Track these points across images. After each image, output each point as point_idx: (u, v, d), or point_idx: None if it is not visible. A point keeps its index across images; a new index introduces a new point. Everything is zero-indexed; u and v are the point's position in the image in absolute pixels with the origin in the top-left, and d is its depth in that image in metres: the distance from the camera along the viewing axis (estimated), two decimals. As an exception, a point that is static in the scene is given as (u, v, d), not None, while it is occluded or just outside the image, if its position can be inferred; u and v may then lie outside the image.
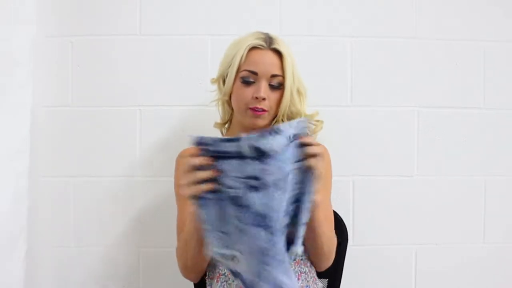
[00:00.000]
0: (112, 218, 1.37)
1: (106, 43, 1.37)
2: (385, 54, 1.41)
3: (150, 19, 1.38)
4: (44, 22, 1.31)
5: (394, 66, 1.41)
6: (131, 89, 1.37)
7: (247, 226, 0.83)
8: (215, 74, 1.13)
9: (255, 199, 0.82)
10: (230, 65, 1.05)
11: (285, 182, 0.83)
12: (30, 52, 1.22)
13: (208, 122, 1.22)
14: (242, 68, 1.03)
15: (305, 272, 1.04)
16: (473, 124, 1.43)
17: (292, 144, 0.84)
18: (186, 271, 1.03)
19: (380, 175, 1.41)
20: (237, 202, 0.83)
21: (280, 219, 0.83)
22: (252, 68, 1.03)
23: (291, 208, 0.86)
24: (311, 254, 1.04)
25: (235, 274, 0.89)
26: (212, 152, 0.83)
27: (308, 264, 1.06)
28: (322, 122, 1.11)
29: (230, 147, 0.82)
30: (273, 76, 1.03)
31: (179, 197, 1.09)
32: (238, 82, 1.04)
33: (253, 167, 0.81)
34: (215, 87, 1.14)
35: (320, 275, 1.11)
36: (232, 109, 1.11)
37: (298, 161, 0.85)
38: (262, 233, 0.83)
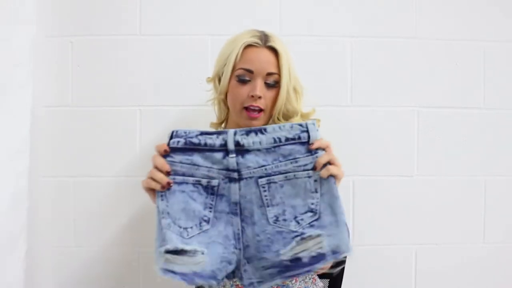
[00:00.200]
0: (112, 218, 1.37)
1: (106, 43, 1.37)
2: (385, 54, 1.41)
3: (150, 19, 1.38)
4: (44, 22, 1.31)
5: (394, 66, 1.41)
6: (131, 89, 1.37)
7: (222, 214, 0.89)
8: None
9: (231, 189, 0.88)
10: (226, 64, 1.04)
11: (268, 181, 0.88)
12: (30, 52, 1.22)
13: (208, 122, 1.21)
14: (238, 67, 1.02)
15: None
16: (473, 124, 1.43)
17: (289, 148, 0.88)
18: None
19: (380, 175, 1.41)
20: (212, 191, 0.89)
21: (255, 212, 0.88)
22: (247, 66, 1.01)
23: (304, 216, 0.87)
24: None
25: (188, 278, 0.86)
26: (185, 144, 0.89)
27: None
28: (319, 120, 1.08)
29: (215, 140, 0.89)
30: (269, 74, 1.02)
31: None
32: (234, 81, 1.03)
33: (232, 160, 0.88)
34: (211, 86, 1.13)
35: (321, 275, 1.11)
36: (228, 108, 1.10)
37: (313, 168, 0.88)
38: (234, 220, 0.89)
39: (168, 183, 0.89)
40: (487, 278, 1.42)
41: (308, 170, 0.88)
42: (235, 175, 0.89)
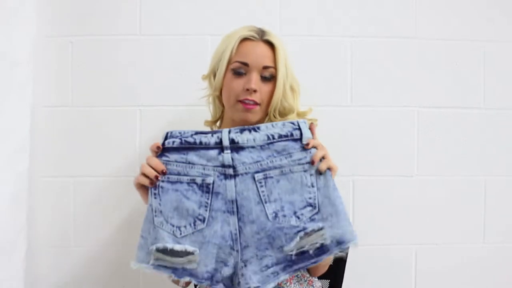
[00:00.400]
0: (112, 218, 1.37)
1: (106, 43, 1.37)
2: (385, 54, 1.41)
3: (150, 19, 1.38)
4: (44, 22, 1.31)
5: (394, 66, 1.41)
6: (131, 89, 1.37)
7: (218, 213, 0.88)
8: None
9: (226, 186, 0.89)
10: (221, 59, 1.02)
11: (264, 176, 0.89)
12: (30, 52, 1.22)
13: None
14: (233, 60, 1.00)
15: (297, 276, 1.00)
16: (473, 124, 1.43)
17: (282, 144, 0.90)
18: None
19: (380, 175, 1.41)
20: (208, 189, 0.89)
21: (253, 209, 0.88)
22: (243, 59, 0.99)
23: (304, 211, 0.88)
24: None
25: (178, 272, 0.88)
26: (180, 144, 0.90)
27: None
28: (315, 120, 1.07)
29: (210, 139, 0.90)
30: (265, 68, 1.00)
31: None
32: (229, 74, 1.01)
33: (227, 156, 0.89)
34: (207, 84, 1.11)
35: (321, 275, 1.10)
36: (223, 106, 1.07)
37: (308, 163, 0.89)
38: (231, 219, 0.88)
39: (156, 177, 0.89)
40: (487, 278, 1.42)
41: (303, 164, 0.89)
42: (231, 171, 0.89)
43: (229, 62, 1.01)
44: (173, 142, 0.90)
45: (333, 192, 0.88)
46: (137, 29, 1.38)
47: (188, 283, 0.99)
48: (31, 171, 1.22)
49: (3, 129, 1.15)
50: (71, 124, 1.37)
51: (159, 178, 0.89)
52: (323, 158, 0.90)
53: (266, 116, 1.04)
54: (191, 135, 0.90)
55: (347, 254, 1.21)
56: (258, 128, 0.91)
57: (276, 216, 0.88)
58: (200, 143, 0.90)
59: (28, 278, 1.20)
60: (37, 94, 1.26)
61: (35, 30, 1.24)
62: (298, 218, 0.87)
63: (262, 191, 0.89)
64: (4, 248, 1.13)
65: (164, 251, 0.87)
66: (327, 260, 0.98)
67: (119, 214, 1.37)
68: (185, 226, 0.89)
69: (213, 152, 0.90)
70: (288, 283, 0.98)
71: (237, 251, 0.88)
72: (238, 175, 0.89)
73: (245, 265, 0.88)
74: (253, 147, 0.89)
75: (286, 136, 0.90)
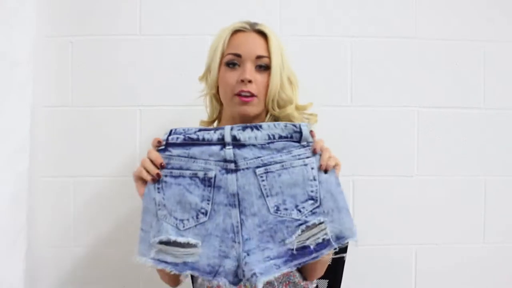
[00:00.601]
0: (112, 218, 1.37)
1: (106, 43, 1.37)
2: (385, 54, 1.41)
3: (150, 19, 1.38)
4: (44, 22, 1.31)
5: (394, 66, 1.41)
6: (131, 89, 1.37)
7: (220, 206, 0.89)
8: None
9: (228, 180, 0.89)
10: (214, 55, 1.00)
11: (265, 171, 0.90)
12: (30, 52, 1.22)
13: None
14: (226, 53, 0.99)
15: (294, 282, 0.99)
16: (473, 124, 1.43)
17: (282, 143, 0.91)
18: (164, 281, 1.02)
19: (380, 175, 1.41)
20: (209, 183, 0.90)
21: (255, 203, 0.89)
22: (235, 51, 0.98)
23: (305, 204, 0.89)
24: (302, 270, 0.99)
25: (179, 267, 0.88)
26: (184, 140, 0.91)
27: (297, 274, 1.00)
28: (316, 115, 1.07)
29: (212, 135, 0.91)
30: (259, 57, 0.98)
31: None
32: (223, 68, 1.00)
33: (229, 151, 0.90)
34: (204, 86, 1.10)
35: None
36: (221, 104, 1.06)
37: (308, 157, 0.90)
38: (233, 212, 0.89)
39: (158, 175, 0.90)
40: (487, 278, 1.42)
41: (302, 158, 0.90)
42: (232, 166, 0.90)
43: (222, 56, 1.00)
44: (177, 138, 0.92)
45: (336, 187, 0.90)
46: (137, 29, 1.38)
47: (178, 283, 0.99)
48: (31, 171, 1.22)
49: (3, 129, 1.15)
50: (71, 124, 1.37)
51: (160, 176, 0.90)
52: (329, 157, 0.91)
53: (265, 109, 1.03)
54: (195, 132, 0.92)
55: (345, 254, 1.21)
56: (260, 126, 0.91)
57: (277, 209, 0.89)
58: (203, 139, 0.91)
59: (28, 278, 1.20)
60: (37, 94, 1.26)
61: (35, 30, 1.24)
62: (300, 211, 0.88)
63: (264, 185, 0.89)
64: (4, 248, 1.13)
65: (167, 243, 0.88)
66: (325, 260, 0.98)
67: (119, 214, 1.37)
68: (188, 219, 0.89)
69: (215, 148, 0.91)
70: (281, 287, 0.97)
71: (239, 243, 0.88)
72: (239, 169, 0.90)
73: (248, 255, 0.88)
74: (254, 145, 0.90)
75: (286, 137, 0.91)
